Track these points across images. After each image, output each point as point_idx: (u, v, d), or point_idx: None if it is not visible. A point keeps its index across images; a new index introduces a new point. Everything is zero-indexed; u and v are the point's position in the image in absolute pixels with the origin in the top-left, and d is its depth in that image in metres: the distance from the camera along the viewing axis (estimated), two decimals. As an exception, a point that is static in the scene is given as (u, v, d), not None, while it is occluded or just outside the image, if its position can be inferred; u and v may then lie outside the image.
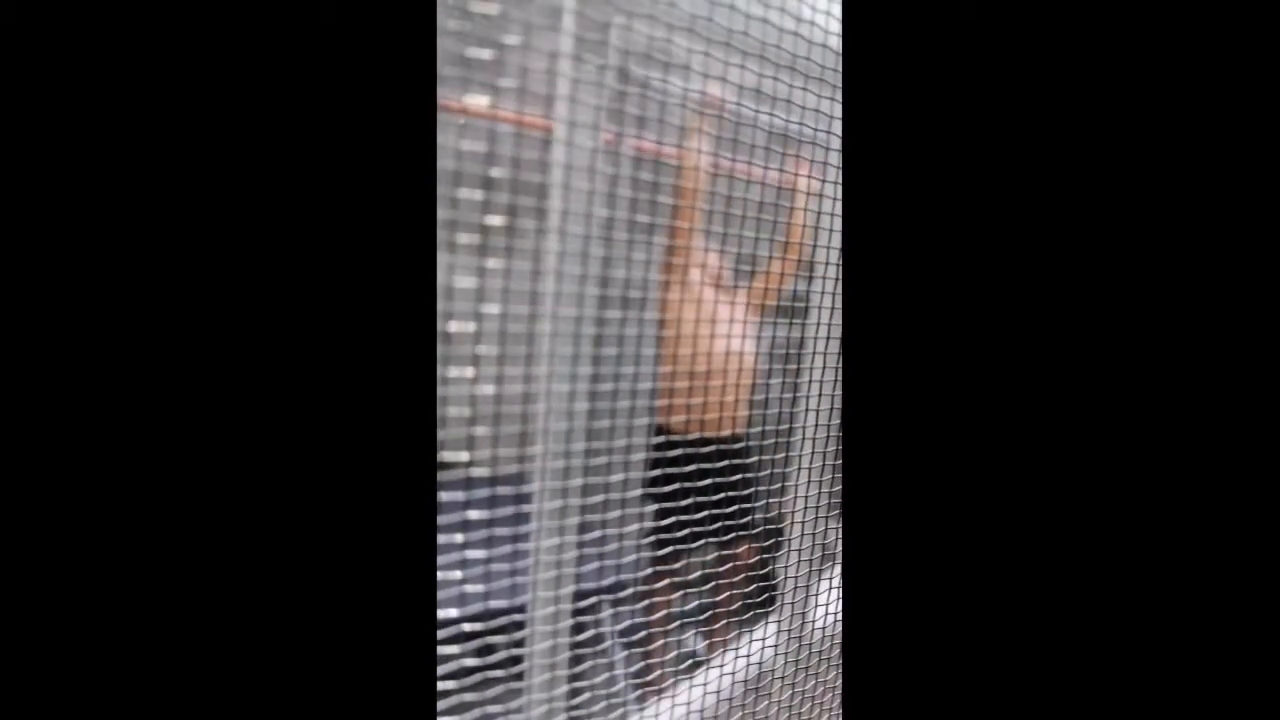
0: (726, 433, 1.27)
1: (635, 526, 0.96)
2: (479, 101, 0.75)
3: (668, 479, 1.03)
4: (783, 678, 1.15)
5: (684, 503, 1.01)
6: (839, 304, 1.14)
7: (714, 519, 1.05)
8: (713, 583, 1.17)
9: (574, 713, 0.90)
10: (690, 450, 1.02)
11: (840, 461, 1.24)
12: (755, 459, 1.23)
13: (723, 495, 1.05)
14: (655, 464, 1.22)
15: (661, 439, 1.24)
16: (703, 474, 1.03)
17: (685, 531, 1.01)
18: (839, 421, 1.19)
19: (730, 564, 1.16)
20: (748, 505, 1.15)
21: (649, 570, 1.35)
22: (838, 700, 1.25)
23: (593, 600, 0.96)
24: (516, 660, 0.85)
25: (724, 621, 1.44)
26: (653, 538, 1.19)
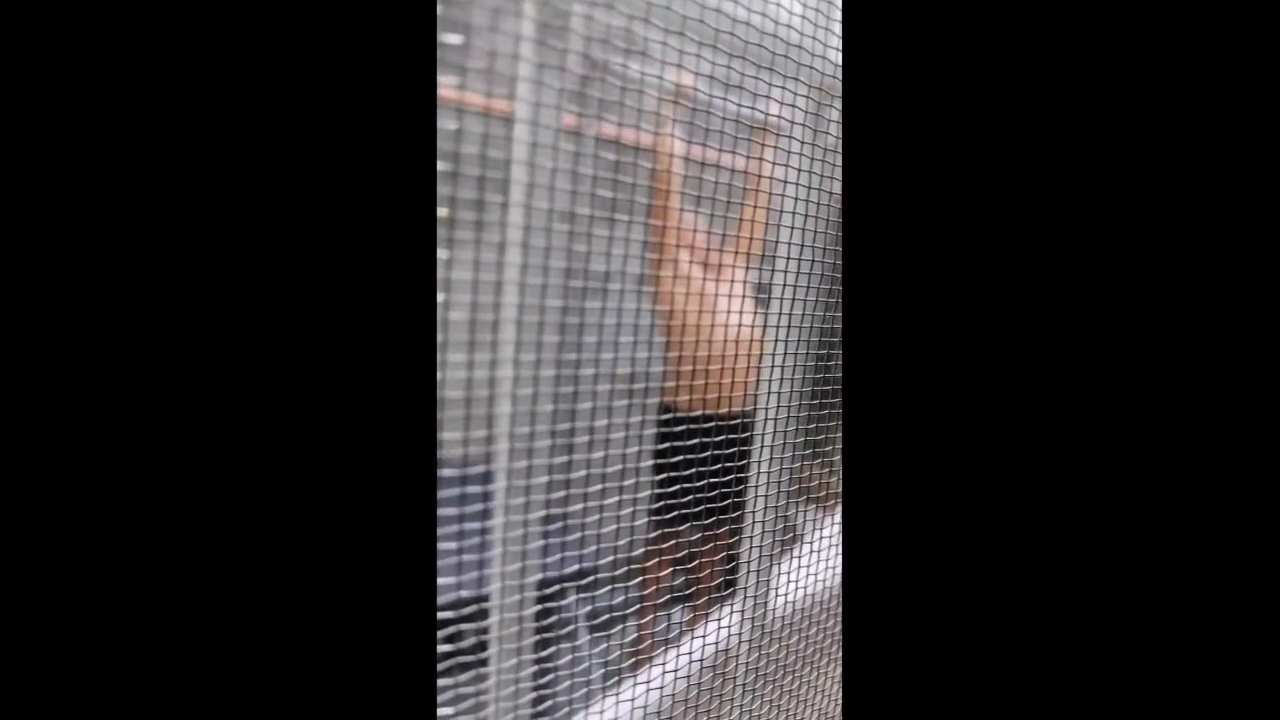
0: (736, 409, 1.26)
1: (614, 500, 0.96)
2: (444, 87, 0.73)
3: (674, 455, 1.03)
4: (750, 642, 1.17)
5: (688, 473, 1.02)
6: (798, 293, 1.15)
7: (720, 495, 1.06)
8: (696, 559, 1.18)
9: (540, 692, 0.91)
10: (696, 427, 1.03)
11: (801, 440, 1.26)
12: (753, 434, 1.24)
13: (723, 468, 1.07)
14: (662, 440, 1.23)
15: (669, 416, 1.24)
16: (705, 448, 1.03)
17: (700, 507, 1.01)
18: (799, 404, 1.21)
19: (710, 542, 1.17)
20: (740, 482, 1.16)
21: (643, 549, 1.35)
22: (808, 668, 1.28)
23: (559, 586, 0.97)
24: (484, 646, 0.85)
25: (706, 596, 1.46)
26: (652, 511, 1.19)
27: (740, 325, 1.24)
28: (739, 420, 1.19)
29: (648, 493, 1.14)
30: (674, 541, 1.14)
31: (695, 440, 1.06)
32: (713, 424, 1.10)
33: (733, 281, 1.47)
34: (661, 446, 1.07)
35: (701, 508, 1.06)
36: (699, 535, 1.34)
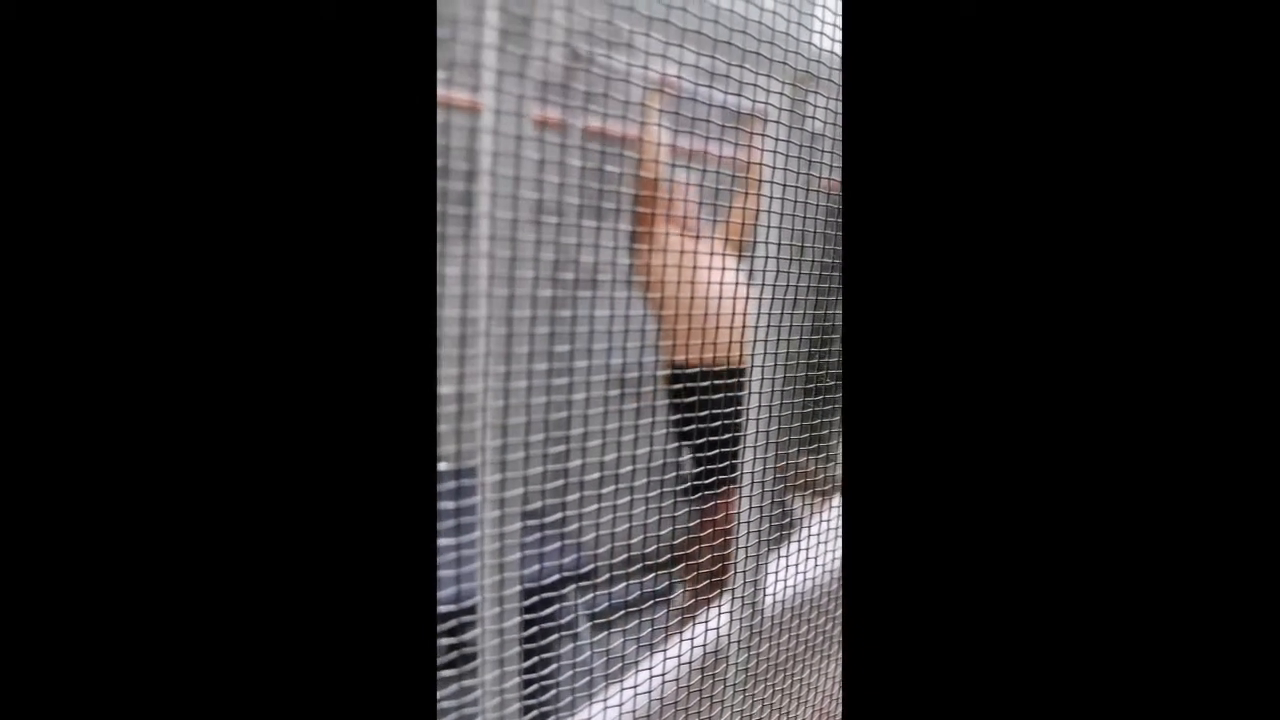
0: (732, 366, 1.25)
1: (609, 503, 0.95)
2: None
3: (689, 411, 1.02)
4: (741, 642, 1.16)
5: (721, 434, 1.00)
6: (790, 291, 1.14)
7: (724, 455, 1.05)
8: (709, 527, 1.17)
9: (528, 702, 0.90)
10: (705, 381, 1.02)
11: (803, 435, 1.25)
12: (745, 425, 1.23)
13: (723, 425, 1.05)
14: (676, 405, 1.21)
15: (676, 375, 1.23)
16: (717, 404, 1.03)
17: (725, 464, 1.00)
18: (792, 396, 1.19)
19: (721, 510, 1.16)
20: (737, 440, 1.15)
21: (696, 519, 1.34)
22: (802, 667, 1.27)
23: (557, 587, 0.96)
24: (472, 657, 0.84)
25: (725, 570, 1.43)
26: (693, 480, 1.17)
27: (731, 284, 1.22)
28: (737, 378, 1.18)
29: (679, 465, 1.12)
30: (720, 508, 1.13)
31: (709, 396, 1.04)
32: (714, 379, 1.08)
33: (724, 254, 1.45)
34: (680, 408, 1.04)
35: (725, 463, 1.04)
36: (710, 504, 1.33)
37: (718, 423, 1.03)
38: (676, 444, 1.15)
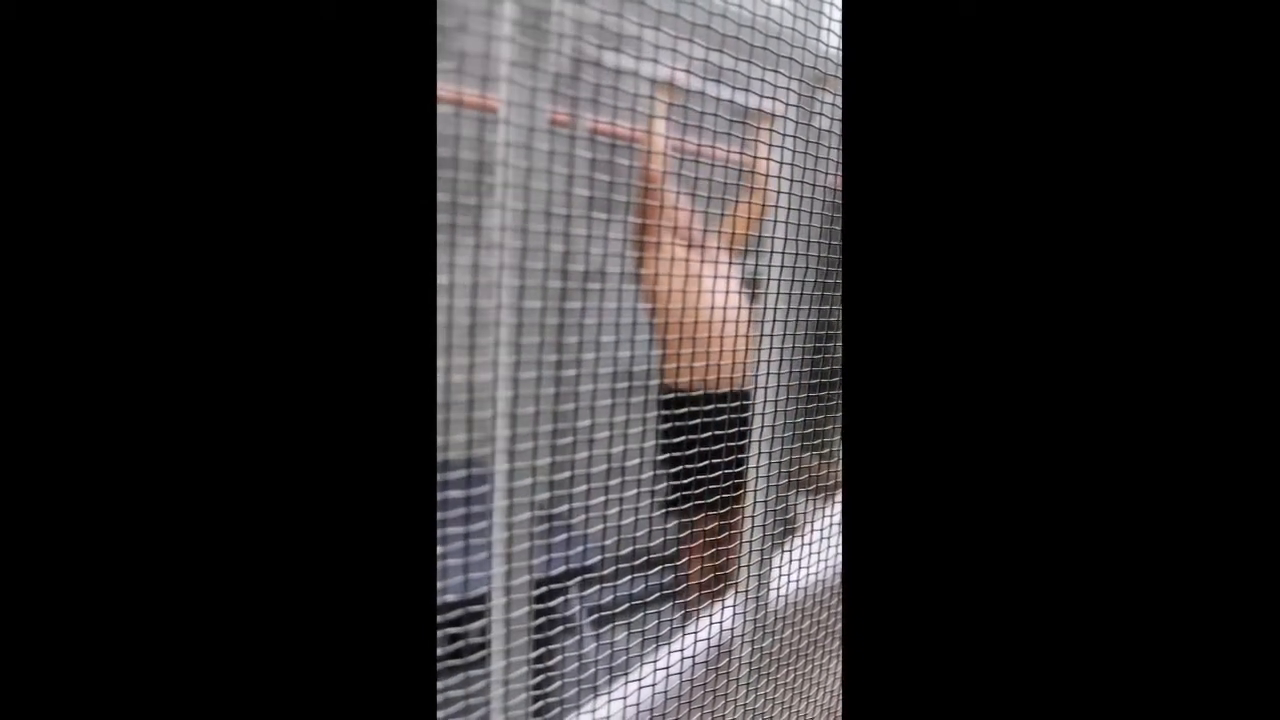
0: (734, 388, 1.26)
1: (616, 497, 0.96)
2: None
3: (680, 435, 1.02)
4: (750, 638, 1.16)
5: (697, 461, 1.01)
6: (794, 286, 1.14)
7: (724, 476, 1.06)
8: (713, 548, 1.16)
9: (535, 692, 0.91)
10: (697, 407, 1.03)
11: (796, 432, 1.25)
12: (749, 425, 1.23)
13: (726, 448, 1.06)
14: (667, 422, 1.21)
15: (670, 397, 1.23)
16: (707, 428, 1.03)
17: (702, 489, 1.01)
18: (793, 396, 1.20)
19: (724, 530, 1.16)
20: (740, 463, 1.15)
21: (671, 532, 1.34)
22: (806, 663, 1.27)
23: (562, 584, 0.96)
24: (483, 646, 0.85)
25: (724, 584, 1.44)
26: (669, 498, 1.18)
27: (734, 307, 1.23)
28: (738, 400, 1.19)
29: (659, 481, 1.12)
30: (701, 530, 1.14)
31: (698, 420, 1.05)
32: (713, 403, 1.09)
33: (729, 264, 1.46)
34: (669, 431, 1.04)
35: (715, 496, 1.05)
36: (714, 524, 1.33)
37: (720, 445, 1.04)
38: (671, 464, 1.16)
